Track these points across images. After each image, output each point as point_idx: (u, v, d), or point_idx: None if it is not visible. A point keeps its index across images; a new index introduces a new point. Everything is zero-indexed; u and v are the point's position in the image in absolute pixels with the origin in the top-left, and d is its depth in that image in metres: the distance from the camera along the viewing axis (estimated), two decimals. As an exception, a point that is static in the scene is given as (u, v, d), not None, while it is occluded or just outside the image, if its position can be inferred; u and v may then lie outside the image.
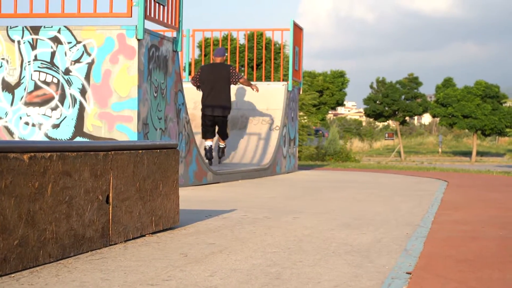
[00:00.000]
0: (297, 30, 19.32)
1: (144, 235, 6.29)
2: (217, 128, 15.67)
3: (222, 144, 16.29)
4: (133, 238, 6.07)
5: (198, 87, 15.57)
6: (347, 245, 6.10)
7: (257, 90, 16.00)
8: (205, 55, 32.83)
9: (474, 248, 6.19)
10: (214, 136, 15.79)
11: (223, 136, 15.93)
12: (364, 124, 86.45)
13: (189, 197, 10.33)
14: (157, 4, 11.30)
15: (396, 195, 11.92)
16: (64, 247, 5.01)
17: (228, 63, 19.58)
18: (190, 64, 19.95)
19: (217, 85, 15.27)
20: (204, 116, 15.56)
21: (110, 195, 5.64)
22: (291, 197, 11.27)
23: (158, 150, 6.53)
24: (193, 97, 18.06)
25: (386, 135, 61.04)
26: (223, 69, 15.30)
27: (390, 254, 5.69)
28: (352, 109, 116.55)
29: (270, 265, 5.06)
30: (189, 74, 20.02)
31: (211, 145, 15.45)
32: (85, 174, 5.28)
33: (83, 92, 10.92)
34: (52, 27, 11.09)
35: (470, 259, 5.60)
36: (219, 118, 15.52)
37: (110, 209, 5.65)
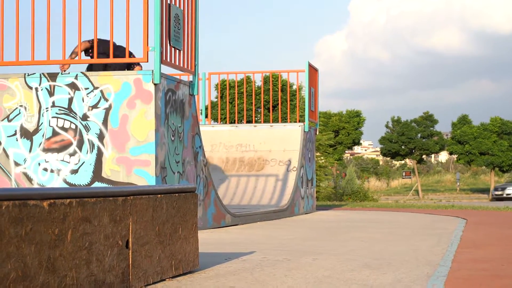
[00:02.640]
0: (312, 71, 19.42)
1: (164, 279, 6.29)
2: None
3: None
4: (153, 283, 6.07)
5: None
6: (367, 286, 6.08)
7: None
8: (221, 97, 32.96)
9: (494, 287, 6.15)
10: None
11: None
12: (381, 163, 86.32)
13: (208, 239, 10.33)
14: (173, 49, 11.40)
15: (415, 234, 11.88)
16: (84, 293, 5.02)
17: (245, 105, 19.64)
18: (206, 107, 20.06)
19: None
20: None
21: (130, 240, 5.66)
22: (310, 238, 11.24)
23: (176, 194, 6.55)
24: (210, 139, 18.16)
25: (404, 174, 60.96)
26: None
27: (411, 294, 5.66)
28: (368, 148, 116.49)
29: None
30: (206, 117, 20.14)
31: None
32: (105, 220, 5.31)
33: (100, 137, 10.98)
34: (69, 73, 11.20)
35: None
36: None
37: (130, 254, 5.66)
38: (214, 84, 34.68)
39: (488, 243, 10.29)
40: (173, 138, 11.47)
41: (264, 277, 6.63)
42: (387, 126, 52.10)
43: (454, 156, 54.96)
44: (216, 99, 34.62)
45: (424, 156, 54.45)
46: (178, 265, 6.53)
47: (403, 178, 62.62)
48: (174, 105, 11.54)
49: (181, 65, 11.77)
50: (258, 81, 33.79)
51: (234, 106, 24.07)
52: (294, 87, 32.58)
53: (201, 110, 19.70)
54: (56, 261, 4.73)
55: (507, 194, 37.59)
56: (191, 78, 12.51)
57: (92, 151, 10.98)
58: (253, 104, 21.52)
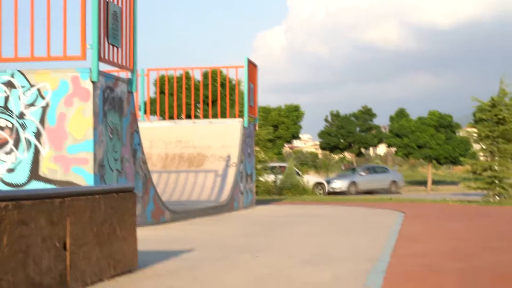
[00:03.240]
0: (252, 67, 19.43)
1: (103, 280, 6.24)
2: None
3: None
4: (92, 284, 6.02)
5: None
6: (307, 283, 6.11)
7: None
8: (161, 93, 32.79)
9: (432, 284, 6.24)
10: None
11: None
12: (320, 156, 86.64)
13: (147, 237, 10.28)
14: (111, 46, 11.28)
15: (354, 229, 11.98)
16: (21, 297, 4.96)
17: (184, 100, 19.57)
18: (145, 104, 19.94)
19: None
20: None
21: (67, 241, 5.60)
22: (249, 234, 11.25)
23: (115, 194, 6.51)
24: (149, 136, 18.07)
25: (343, 167, 61.24)
26: None
27: (349, 291, 5.71)
28: (308, 141, 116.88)
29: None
30: (144, 113, 20.02)
31: None
32: (42, 222, 5.25)
33: (38, 135, 10.85)
34: (5, 71, 11.02)
35: (428, 294, 5.65)
36: None
37: (68, 255, 5.61)
38: (153, 79, 34.59)
39: (426, 238, 10.43)
40: (111, 136, 11.38)
41: (204, 276, 6.62)
42: (326, 120, 52.36)
43: (393, 149, 55.43)
44: (155, 95, 34.47)
45: (362, 150, 54.91)
46: (116, 265, 6.49)
47: (342, 171, 63.00)
48: (112, 102, 11.45)
49: (120, 63, 11.67)
50: (198, 76, 33.69)
51: (173, 101, 23.82)
52: (234, 82, 32.56)
53: (140, 106, 19.58)
54: (-8, 265, 4.66)
55: (332, 188, 37.46)
56: (129, 75, 12.42)
57: (29, 149, 10.84)
58: (192, 99, 21.47)
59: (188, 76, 31.46)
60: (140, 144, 12.63)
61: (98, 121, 10.91)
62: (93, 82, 10.77)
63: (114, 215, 6.46)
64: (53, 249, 5.40)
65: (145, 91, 19.74)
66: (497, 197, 23.60)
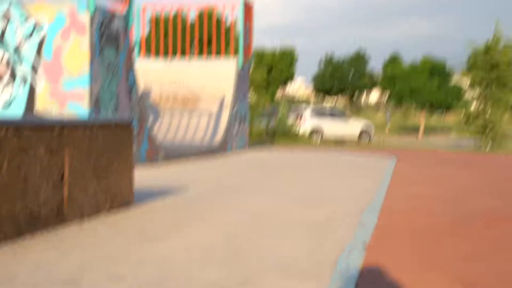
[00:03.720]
0: (248, 6, 19.27)
1: (99, 213, 6.25)
2: None
3: None
4: (88, 216, 6.02)
5: None
6: (303, 221, 6.13)
7: None
8: (155, 32, 32.57)
9: (425, 224, 6.27)
10: None
11: None
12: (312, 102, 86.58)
13: (142, 176, 10.28)
14: (108, -19, 11.17)
15: (348, 175, 12.00)
16: (19, 226, 4.96)
17: (179, 39, 19.42)
18: (140, 42, 19.77)
19: None
20: None
21: (65, 172, 5.59)
22: (243, 176, 11.25)
23: (112, 126, 6.48)
24: (143, 75, 17.99)
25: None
26: None
27: (345, 226, 5.73)
28: (300, 86, 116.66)
29: (230, 238, 5.07)
30: (140, 50, 19.87)
31: None
32: (41, 151, 5.23)
33: (34, 70, 10.76)
34: (2, 1, 10.90)
35: (421, 233, 5.67)
36: None
37: (66, 187, 5.60)
38: (148, 18, 34.31)
39: (417, 181, 10.46)
40: (107, 72, 11.31)
41: (200, 212, 6.64)
42: (320, 65, 52.09)
43: (385, 97, 55.31)
44: (150, 35, 34.22)
45: (355, 93, 54.67)
46: (113, 199, 6.50)
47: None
48: (108, 38, 11.35)
49: (116, -2, 11.55)
50: (193, 16, 33.44)
51: (168, 41, 23.72)
52: (229, 24, 32.34)
53: (134, 44, 19.42)
54: (-9, 193, 4.66)
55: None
56: (125, 11, 12.28)
57: (25, 84, 10.77)
58: (188, 39, 21.31)
59: (183, 15, 31.19)
60: (135, 81, 12.56)
61: (95, 55, 10.83)
62: (90, 16, 10.66)
63: (111, 148, 6.44)
64: (51, 179, 5.38)
65: (140, 28, 19.55)
66: (488, 144, 23.66)
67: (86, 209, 5.97)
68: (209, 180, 10.04)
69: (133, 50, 13.44)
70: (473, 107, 26.05)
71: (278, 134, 31.83)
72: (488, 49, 24.39)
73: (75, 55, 10.70)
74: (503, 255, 4.87)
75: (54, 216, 5.44)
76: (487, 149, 23.04)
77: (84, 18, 10.71)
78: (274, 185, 9.57)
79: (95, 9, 10.75)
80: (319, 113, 31.00)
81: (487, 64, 24.26)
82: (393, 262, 4.51)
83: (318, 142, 28.74)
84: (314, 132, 30.38)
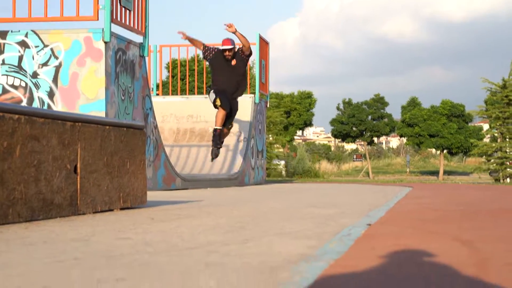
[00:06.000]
0: (263, 43, 19.55)
1: (112, 210, 6.40)
2: None
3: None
4: (101, 212, 6.17)
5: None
6: (313, 214, 6.25)
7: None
8: (173, 76, 32.99)
9: (433, 215, 6.38)
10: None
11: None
12: (333, 149, 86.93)
13: (159, 194, 10.44)
14: (123, 9, 11.44)
15: (363, 193, 12.12)
16: (33, 209, 5.12)
17: (196, 81, 19.79)
18: (158, 85, 19.99)
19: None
20: None
21: (78, 165, 5.76)
22: (260, 196, 11.39)
23: (125, 129, 6.66)
24: (161, 110, 18.21)
25: (355, 157, 61.42)
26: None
27: (352, 217, 5.85)
28: (320, 134, 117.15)
29: (235, 222, 5.20)
30: (157, 90, 20.11)
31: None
32: (53, 141, 5.40)
33: (51, 94, 11.02)
34: (19, 31, 11.20)
35: (428, 219, 5.78)
36: None
37: (78, 179, 5.76)
38: (165, 63, 34.77)
39: (432, 197, 10.57)
40: (123, 98, 11.54)
41: (212, 211, 6.78)
42: (338, 108, 52.34)
43: (404, 139, 55.48)
44: (167, 79, 34.66)
45: (374, 138, 54.93)
46: (126, 198, 6.65)
47: (354, 161, 63.13)
48: (124, 65, 11.61)
49: (132, 25, 11.83)
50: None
51: (185, 84, 23.93)
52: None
53: (153, 87, 19.65)
54: (5, 174, 4.82)
55: None
56: (141, 40, 12.56)
57: (42, 108, 11.00)
58: (205, 80, 21.58)
59: (199, 59, 31.56)
60: (151, 108, 12.79)
61: (110, 82, 11.08)
62: (105, 43, 10.93)
63: (124, 149, 6.61)
64: (64, 170, 5.55)
65: (158, 71, 19.76)
66: (507, 179, 23.70)
67: (99, 204, 6.12)
68: (226, 198, 10.18)
69: (150, 82, 13.62)
70: (489, 142, 26.17)
71: (297, 174, 31.99)
72: (504, 85, 24.52)
73: (91, 80, 10.94)
74: (503, 227, 4.98)
75: (68, 205, 5.59)
76: (506, 182, 23.06)
77: (100, 45, 10.97)
78: (290, 198, 9.71)
79: (111, 36, 11.01)
80: None
81: (504, 100, 24.38)
82: (396, 232, 4.62)
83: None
84: None
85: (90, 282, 2.60)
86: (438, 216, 6.10)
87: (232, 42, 13.75)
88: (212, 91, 13.75)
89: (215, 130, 13.78)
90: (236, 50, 13.80)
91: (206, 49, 13.85)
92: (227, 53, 13.63)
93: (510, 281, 2.68)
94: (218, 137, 13.84)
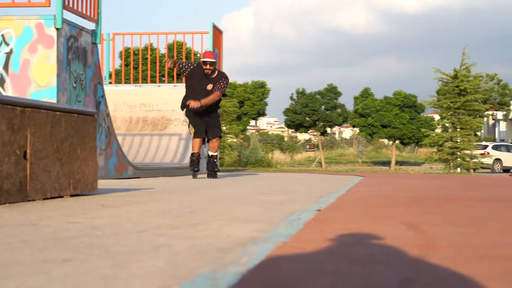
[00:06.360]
0: (217, 32, 19.51)
1: (62, 196, 6.36)
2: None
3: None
4: (51, 198, 6.14)
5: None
6: (264, 200, 6.29)
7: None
8: (126, 65, 32.80)
9: (383, 201, 6.46)
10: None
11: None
12: (286, 139, 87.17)
13: (110, 182, 10.40)
14: (75, -5, 11.35)
15: (315, 182, 12.19)
16: (-18, 195, 5.08)
17: (149, 70, 19.67)
18: (110, 74, 19.85)
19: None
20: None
21: (28, 151, 5.72)
22: (212, 184, 11.40)
23: (76, 115, 6.62)
24: (113, 99, 18.10)
25: (308, 147, 61.67)
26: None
27: (302, 203, 5.90)
28: (274, 124, 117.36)
29: (185, 208, 5.22)
30: (110, 78, 19.98)
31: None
32: (2, 127, 5.36)
33: (1, 81, 10.91)
34: (-31, 17, 11.07)
35: (377, 204, 5.85)
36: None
37: (28, 165, 5.72)
38: (118, 51, 34.58)
39: (383, 184, 10.67)
40: (75, 85, 11.46)
41: (163, 197, 6.78)
42: (291, 98, 52.49)
43: (357, 130, 55.83)
44: (120, 68, 34.46)
45: (328, 129, 55.25)
46: (76, 185, 6.62)
47: (306, 151, 63.36)
48: (76, 52, 11.53)
49: (84, 12, 11.74)
50: (162, 48, 33.72)
51: (138, 72, 23.79)
52: (198, 55, 32.59)
53: (105, 76, 19.52)
54: (-47, 158, 4.78)
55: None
56: (94, 27, 12.47)
57: (-8, 95, 10.89)
58: (157, 71, 21.52)
59: (153, 48, 31.46)
60: (103, 96, 12.72)
61: (62, 69, 10.99)
62: (57, 29, 10.84)
63: (75, 135, 6.57)
64: (14, 155, 5.51)
65: (110, 59, 19.65)
66: (458, 169, 23.99)
67: (49, 190, 6.08)
68: (178, 186, 10.17)
69: (103, 71, 13.58)
70: (440, 132, 26.46)
71: (250, 163, 32.04)
72: (456, 75, 24.78)
73: (43, 67, 10.85)
74: (449, 212, 5.06)
75: (17, 191, 5.56)
76: (456, 172, 23.35)
77: (51, 31, 10.88)
78: (240, 186, 9.74)
79: (63, 23, 10.92)
80: (498, 147, 39.36)
81: (455, 90, 24.64)
82: (345, 217, 4.68)
83: (497, 170, 36.33)
84: (496, 161, 37.89)
85: (37, 262, 2.60)
86: (387, 202, 6.18)
87: (215, 56, 12.78)
88: (184, 110, 12.98)
89: (192, 154, 13.05)
90: (216, 74, 12.71)
91: (183, 64, 12.87)
92: (207, 66, 12.49)
93: (451, 260, 2.74)
94: (195, 162, 13.10)
